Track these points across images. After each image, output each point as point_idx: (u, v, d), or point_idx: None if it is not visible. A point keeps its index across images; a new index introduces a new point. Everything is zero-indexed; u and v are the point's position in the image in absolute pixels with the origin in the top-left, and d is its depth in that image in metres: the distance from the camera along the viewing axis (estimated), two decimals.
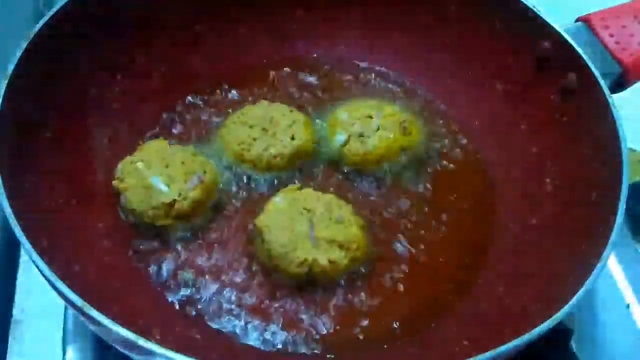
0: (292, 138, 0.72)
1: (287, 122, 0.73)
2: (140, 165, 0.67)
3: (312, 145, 0.74)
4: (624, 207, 0.57)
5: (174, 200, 0.65)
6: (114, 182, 0.67)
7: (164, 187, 0.65)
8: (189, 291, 0.64)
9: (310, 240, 0.63)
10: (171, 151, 0.69)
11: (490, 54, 0.77)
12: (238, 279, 0.65)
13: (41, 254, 0.50)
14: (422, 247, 0.69)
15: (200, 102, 0.80)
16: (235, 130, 0.73)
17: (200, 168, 0.68)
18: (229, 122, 0.74)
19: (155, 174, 0.66)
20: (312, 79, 0.83)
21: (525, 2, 0.71)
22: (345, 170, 0.74)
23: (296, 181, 0.72)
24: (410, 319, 0.64)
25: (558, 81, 0.69)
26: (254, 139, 0.72)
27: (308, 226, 0.64)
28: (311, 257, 0.62)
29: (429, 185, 0.74)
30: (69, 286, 0.49)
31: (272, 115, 0.74)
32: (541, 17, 0.69)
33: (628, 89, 0.70)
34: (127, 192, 0.66)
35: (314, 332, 0.63)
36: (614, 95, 0.64)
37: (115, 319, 0.47)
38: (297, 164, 0.73)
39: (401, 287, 0.66)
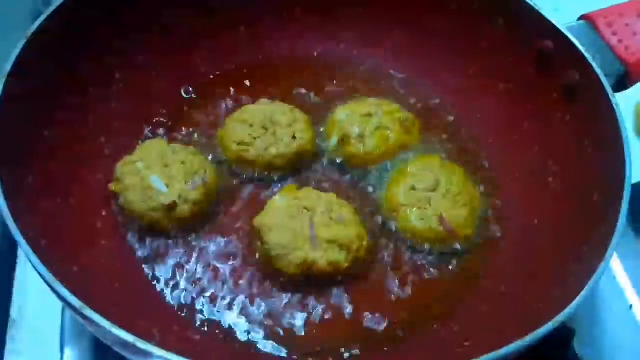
0: (293, 137, 0.71)
1: (287, 121, 0.72)
2: (139, 164, 0.66)
3: (313, 145, 0.74)
4: (627, 207, 0.56)
5: (174, 202, 0.64)
6: (111, 185, 0.66)
7: (163, 188, 0.64)
8: (187, 292, 0.64)
9: (310, 240, 0.62)
10: (171, 150, 0.68)
11: (492, 53, 0.76)
12: (238, 280, 0.65)
13: (39, 254, 0.50)
14: (424, 247, 0.68)
15: (200, 101, 0.79)
16: (235, 129, 0.72)
17: (200, 168, 0.68)
18: (229, 121, 0.74)
19: (155, 173, 0.65)
20: (312, 78, 0.82)
21: (527, 0, 0.70)
22: (346, 170, 0.74)
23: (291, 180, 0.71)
24: (411, 321, 0.63)
25: (560, 80, 0.69)
26: (255, 138, 0.71)
27: (308, 226, 0.63)
28: (311, 258, 0.61)
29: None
30: (66, 287, 0.48)
31: (272, 114, 0.73)
32: (543, 16, 0.69)
33: (631, 87, 0.70)
34: (126, 193, 0.65)
35: (314, 334, 0.62)
36: (617, 94, 0.63)
37: (113, 320, 0.47)
38: (297, 163, 0.73)
39: (402, 288, 0.65)
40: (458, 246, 0.67)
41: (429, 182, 0.68)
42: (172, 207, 0.64)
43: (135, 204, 0.64)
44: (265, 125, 0.72)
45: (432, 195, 0.67)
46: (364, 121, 0.74)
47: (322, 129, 0.76)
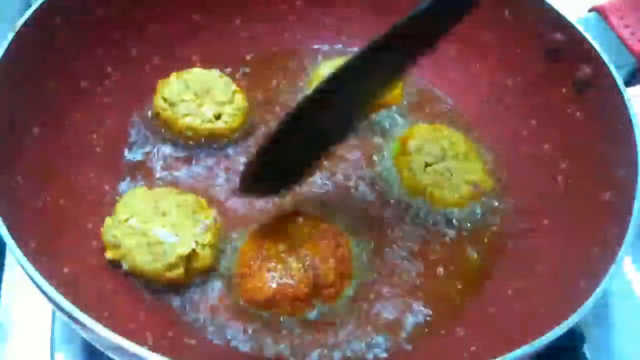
0: (217, 117, 0.71)
1: (222, 99, 0.71)
2: (133, 221, 0.58)
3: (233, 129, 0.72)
4: None
5: (193, 251, 0.58)
6: (107, 253, 0.59)
7: (173, 238, 0.57)
8: (183, 296, 0.61)
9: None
10: (158, 196, 0.61)
11: (499, 46, 0.74)
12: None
13: (28, 255, 0.48)
14: (428, 250, 0.67)
15: None
16: (171, 84, 0.71)
17: (197, 206, 0.62)
18: (174, 75, 0.72)
19: (157, 225, 0.58)
20: (313, 72, 0.80)
21: None
22: None
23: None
24: (416, 326, 0.62)
25: (570, 74, 0.67)
26: (182, 100, 0.70)
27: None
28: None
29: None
30: (57, 290, 0.47)
31: (214, 85, 0.71)
32: (552, 7, 0.67)
33: None
34: (129, 257, 0.57)
35: (313, 340, 0.60)
36: (629, 89, 0.62)
37: (106, 324, 0.45)
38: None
39: (405, 291, 0.64)
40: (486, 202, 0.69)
41: (437, 152, 0.68)
42: (191, 256, 0.58)
43: (146, 265, 0.57)
44: (198, 92, 0.70)
45: (447, 164, 0.68)
46: None
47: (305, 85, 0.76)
